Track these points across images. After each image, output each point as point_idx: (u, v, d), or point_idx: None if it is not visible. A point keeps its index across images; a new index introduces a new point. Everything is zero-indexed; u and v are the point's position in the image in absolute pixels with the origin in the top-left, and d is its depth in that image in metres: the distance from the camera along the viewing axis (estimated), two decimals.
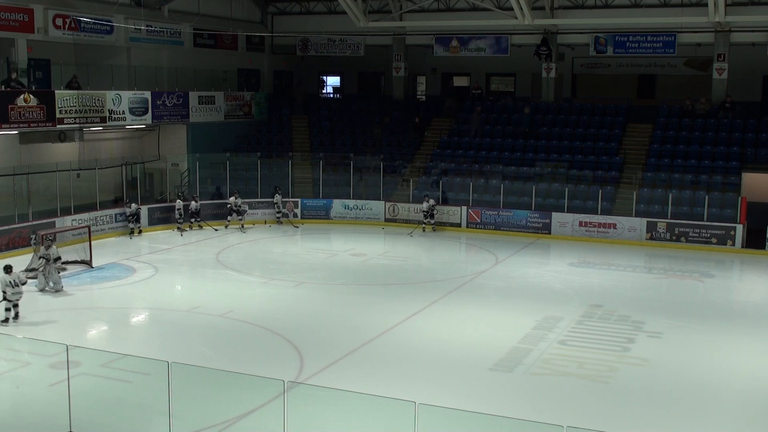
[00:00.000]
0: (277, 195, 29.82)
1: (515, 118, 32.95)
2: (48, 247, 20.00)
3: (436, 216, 28.74)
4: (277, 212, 29.81)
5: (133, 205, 27.25)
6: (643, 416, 13.13)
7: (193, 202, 28.44)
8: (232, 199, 28.77)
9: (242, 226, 28.73)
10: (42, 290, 19.82)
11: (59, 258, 20.22)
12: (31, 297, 19.61)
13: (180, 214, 28.19)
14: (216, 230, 28.43)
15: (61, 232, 23.98)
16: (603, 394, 14.11)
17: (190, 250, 25.93)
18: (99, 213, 26.75)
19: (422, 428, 9.57)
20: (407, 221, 29.75)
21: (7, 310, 17.23)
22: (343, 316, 18.55)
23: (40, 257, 20.15)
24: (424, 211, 28.69)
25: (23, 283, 17.58)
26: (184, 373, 11.52)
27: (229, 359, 15.09)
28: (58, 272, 20.19)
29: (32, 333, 16.45)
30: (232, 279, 21.99)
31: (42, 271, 19.95)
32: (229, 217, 28.86)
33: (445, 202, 29.65)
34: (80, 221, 25.51)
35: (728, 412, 13.60)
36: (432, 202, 28.70)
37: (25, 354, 15.34)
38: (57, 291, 19.86)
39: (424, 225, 28.65)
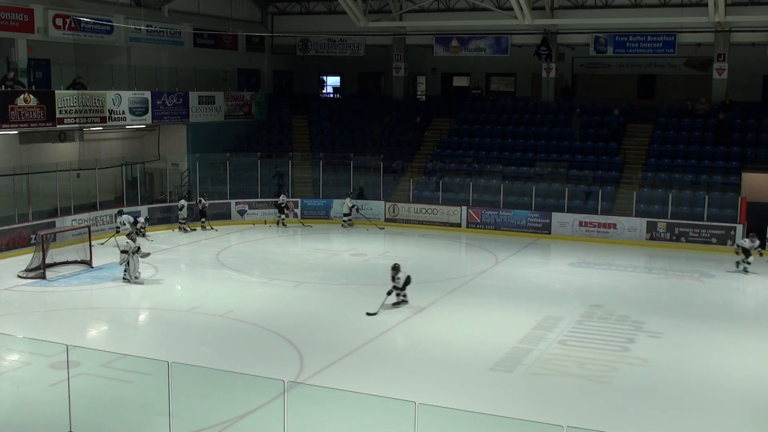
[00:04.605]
0: (348, 199, 29.54)
1: (515, 118, 32.98)
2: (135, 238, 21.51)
3: None
4: (346, 215, 29.44)
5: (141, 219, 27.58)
6: (642, 416, 13.12)
7: (202, 200, 28.64)
8: (282, 197, 29.26)
9: (282, 222, 29.30)
10: (128, 281, 20.77)
11: (139, 248, 21.16)
12: (32, 297, 19.69)
13: (185, 214, 28.22)
14: (216, 230, 28.44)
15: (61, 232, 24.00)
16: (603, 394, 14.10)
17: (190, 250, 25.95)
18: (99, 213, 26.76)
19: (422, 428, 9.57)
20: (407, 221, 29.76)
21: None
22: (343, 316, 18.54)
23: (122, 251, 21.00)
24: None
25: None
26: (184, 373, 11.53)
27: (229, 359, 15.08)
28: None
29: (32, 333, 16.45)
30: (232, 279, 21.98)
31: (128, 262, 20.89)
32: (281, 215, 29.32)
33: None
34: (80, 221, 25.52)
35: (728, 412, 13.59)
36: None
37: (25, 354, 15.35)
38: (136, 280, 20.87)
39: None
